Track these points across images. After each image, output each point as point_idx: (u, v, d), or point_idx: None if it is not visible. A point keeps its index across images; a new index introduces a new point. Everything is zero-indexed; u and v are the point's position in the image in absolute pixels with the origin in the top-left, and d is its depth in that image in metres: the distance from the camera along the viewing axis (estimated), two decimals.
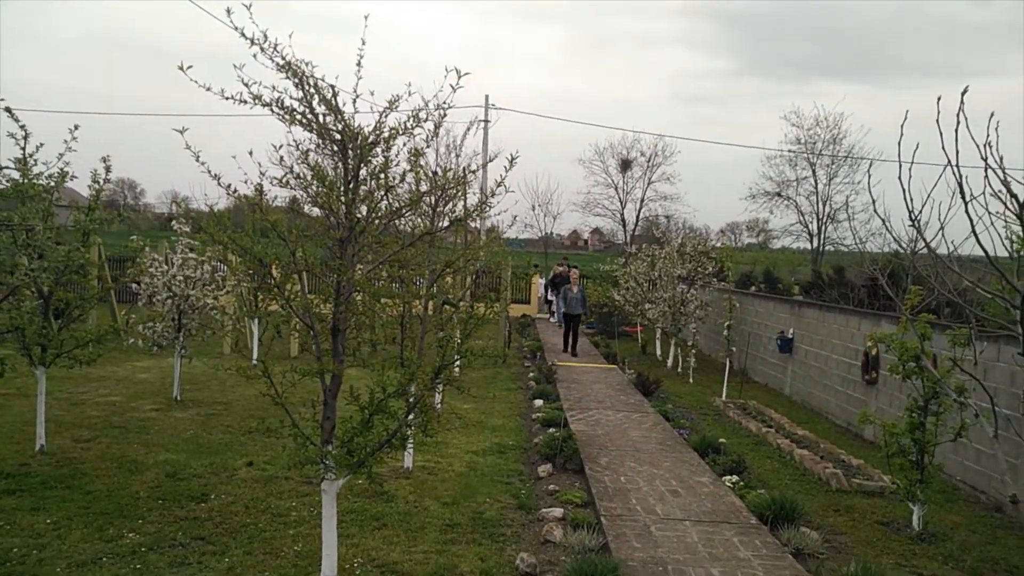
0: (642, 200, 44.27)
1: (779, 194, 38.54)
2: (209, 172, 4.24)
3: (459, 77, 4.22)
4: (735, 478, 7.94)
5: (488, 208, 5.75)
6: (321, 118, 4.19)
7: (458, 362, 5.21)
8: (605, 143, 52.37)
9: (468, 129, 10.89)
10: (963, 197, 3.57)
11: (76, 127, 7.51)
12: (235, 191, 4.26)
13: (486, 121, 27.49)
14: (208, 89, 4.06)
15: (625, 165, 44.10)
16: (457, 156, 11.71)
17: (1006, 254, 4.56)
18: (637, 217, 44.65)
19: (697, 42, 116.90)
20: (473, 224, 18.27)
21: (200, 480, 7.29)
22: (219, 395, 11.47)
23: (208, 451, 8.32)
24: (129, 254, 13.46)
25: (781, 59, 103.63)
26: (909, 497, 6.86)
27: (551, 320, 25.73)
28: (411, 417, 4.74)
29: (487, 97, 28.40)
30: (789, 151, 37.47)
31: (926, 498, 6.88)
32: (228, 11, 3.98)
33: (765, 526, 6.55)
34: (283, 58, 4.11)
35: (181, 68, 3.99)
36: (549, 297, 26.44)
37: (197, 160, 4.23)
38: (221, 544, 5.75)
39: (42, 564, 5.28)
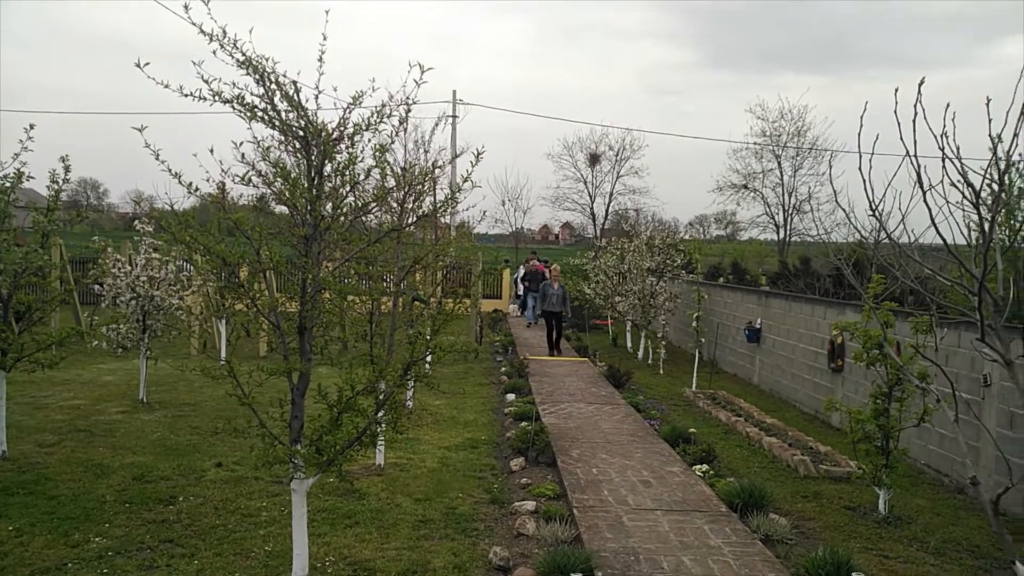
0: (611, 194, 44.57)
1: (745, 186, 39.01)
2: (170, 171, 4.17)
3: (423, 72, 4.20)
4: (705, 467, 8.03)
5: (456, 204, 5.74)
6: (283, 114, 4.14)
7: (429, 358, 5.20)
8: (574, 137, 52.71)
9: (436, 125, 10.86)
10: (921, 187, 3.63)
11: (32, 126, 7.35)
12: (197, 189, 4.20)
13: (454, 116, 27.43)
14: (167, 86, 4.00)
15: (594, 159, 44.33)
16: (426, 152, 11.65)
17: (965, 242, 4.66)
18: (607, 211, 44.91)
19: (664, 34, 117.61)
20: (443, 220, 18.20)
21: (168, 482, 7.19)
22: (187, 396, 11.32)
23: (176, 453, 8.21)
24: (91, 255, 13.22)
25: (745, 51, 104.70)
26: (875, 482, 6.99)
27: (521, 316, 25.47)
28: (381, 414, 4.72)
29: (455, 92, 28.40)
30: (755, 144, 37.95)
31: (892, 482, 7.01)
32: (186, 7, 3.91)
33: (735, 514, 6.63)
34: (243, 54, 4.05)
35: (138, 65, 3.91)
36: (519, 292, 26.27)
37: (157, 158, 4.16)
38: (190, 546, 5.68)
39: (3, 572, 5.17)
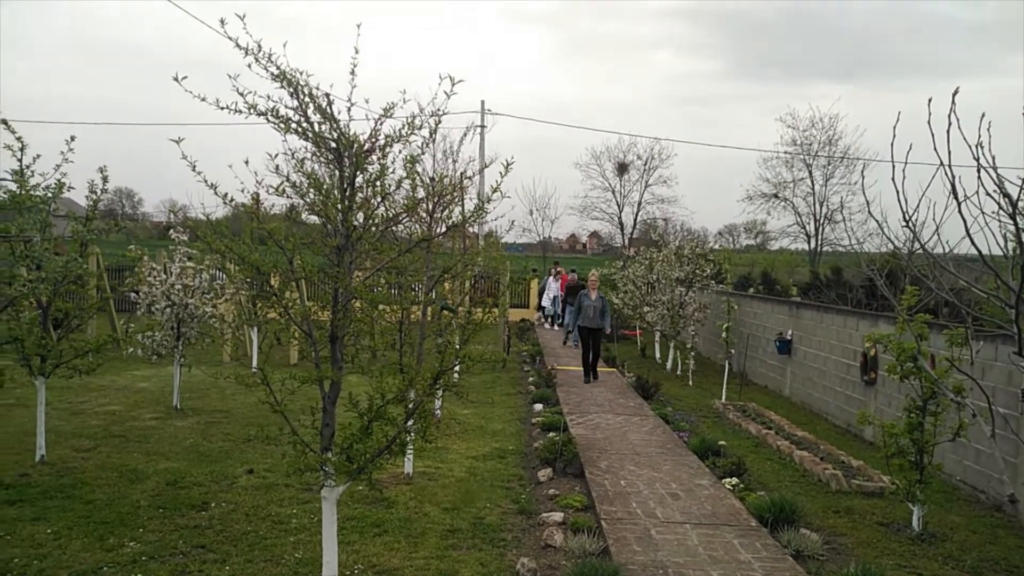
0: (639, 203, 44.37)
1: (776, 195, 38.71)
2: (206, 181, 4.25)
3: (453, 84, 4.25)
4: (735, 480, 7.95)
5: (485, 214, 5.77)
6: (316, 126, 4.21)
7: (457, 367, 5.23)
8: (601, 147, 52.61)
9: (464, 135, 10.96)
10: (956, 198, 3.59)
11: (72, 138, 7.54)
12: (232, 200, 4.27)
13: (482, 126, 27.52)
14: (203, 99, 4.09)
15: (622, 169, 44.19)
16: (454, 162, 11.79)
17: (1001, 253, 4.58)
18: (635, 220, 44.73)
19: (687, 44, 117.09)
20: (471, 229, 18.27)
21: (201, 488, 7.29)
22: (219, 403, 11.48)
23: (208, 459, 8.33)
24: (127, 263, 13.49)
25: (772, 60, 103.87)
26: (909, 498, 6.87)
27: (550, 326, 25.20)
28: (410, 423, 4.75)
29: (483, 103, 28.44)
30: (785, 152, 37.64)
31: (926, 498, 6.88)
32: (222, 21, 4.00)
33: (765, 528, 6.55)
34: (277, 67, 4.13)
35: (176, 79, 4.01)
36: (541, 304, 25.85)
37: (193, 170, 4.25)
38: (222, 552, 5.75)
39: (43, 574, 5.28)
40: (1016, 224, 3.76)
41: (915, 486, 6.79)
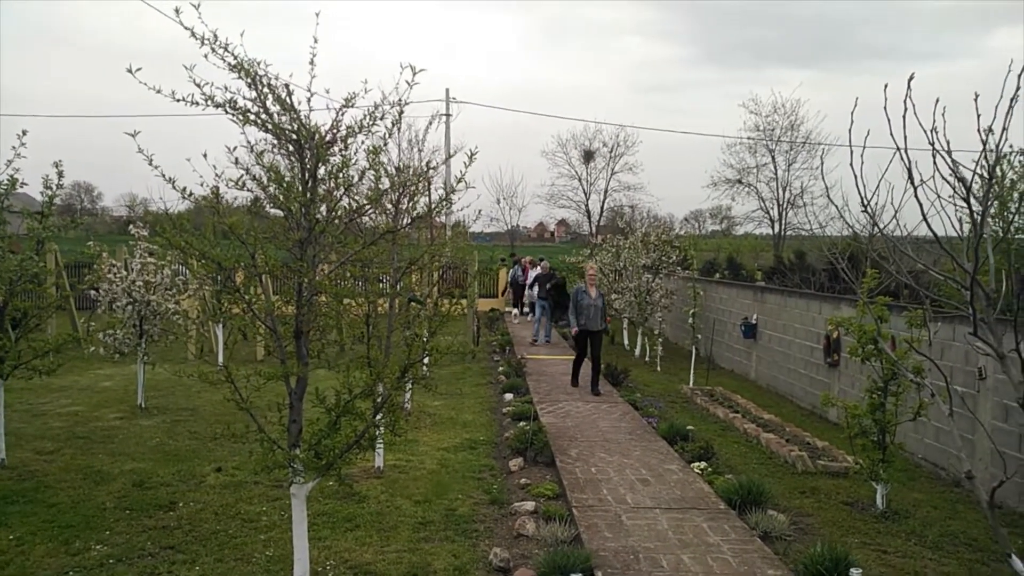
0: (606, 190, 44.61)
1: (740, 181, 39.13)
2: (164, 176, 4.17)
3: (414, 74, 4.21)
4: (703, 464, 8.05)
5: (451, 204, 5.74)
6: (276, 117, 4.14)
7: (426, 360, 5.21)
8: (567, 134, 52.63)
9: (430, 124, 10.82)
10: (912, 182, 3.65)
11: (24, 132, 7.33)
12: (191, 194, 4.20)
13: (447, 115, 27.40)
14: (158, 91, 4.00)
15: (588, 156, 44.39)
16: (420, 151, 11.70)
17: (957, 236, 4.68)
18: (602, 207, 44.97)
19: (653, 31, 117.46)
20: (439, 219, 18.15)
21: (168, 488, 7.19)
22: (185, 401, 11.32)
23: (175, 458, 8.21)
24: (87, 260, 13.22)
25: (736, 46, 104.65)
26: (872, 477, 7.01)
27: (515, 320, 23.76)
28: (379, 417, 4.72)
29: (447, 91, 28.32)
30: (748, 138, 38.05)
31: (889, 477, 7.03)
32: (177, 10, 3.91)
33: (733, 511, 6.65)
34: (235, 57, 4.05)
35: (130, 71, 3.92)
36: (512, 299, 24.56)
37: (150, 164, 4.16)
38: (191, 552, 5.68)
39: None
40: (970, 207, 3.84)
41: (878, 465, 6.93)
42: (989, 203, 3.87)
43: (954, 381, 8.05)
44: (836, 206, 5.11)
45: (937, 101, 3.47)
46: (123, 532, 6.06)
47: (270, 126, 4.18)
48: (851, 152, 3.93)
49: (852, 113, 3.95)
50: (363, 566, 5.47)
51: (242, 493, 7.05)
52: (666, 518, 6.45)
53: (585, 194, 45.22)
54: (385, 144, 4.63)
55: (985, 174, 3.66)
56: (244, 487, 7.22)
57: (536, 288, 19.54)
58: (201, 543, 5.86)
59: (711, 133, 79.34)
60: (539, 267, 20.55)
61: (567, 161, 45.01)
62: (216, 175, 4.28)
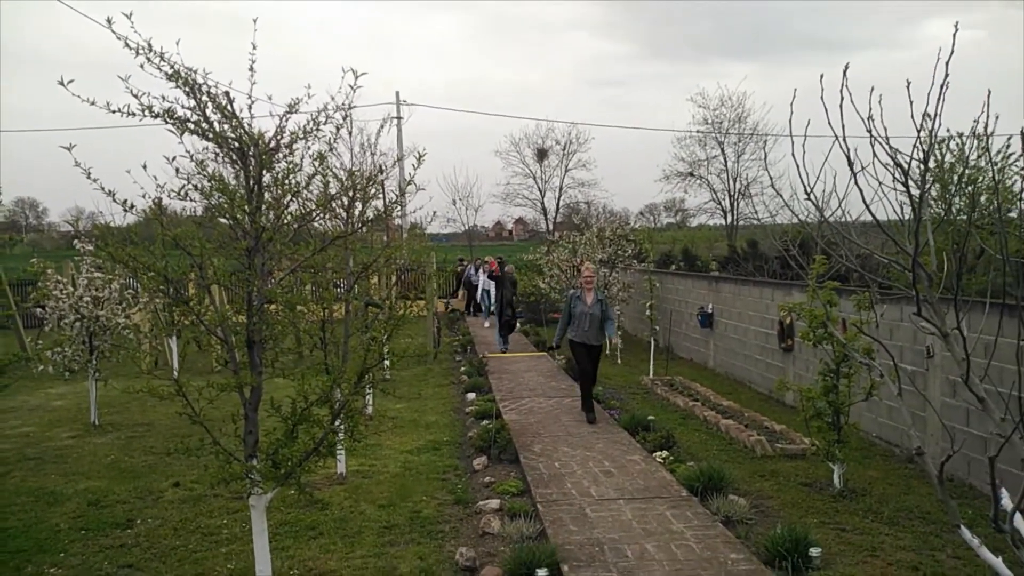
0: (561, 188, 44.78)
1: (691, 174, 39.60)
2: (103, 188, 4.07)
3: (356, 77, 4.18)
4: (665, 453, 8.14)
5: (403, 207, 5.71)
6: (217, 126, 4.07)
7: (387, 363, 5.17)
8: (520, 133, 52.84)
9: (381, 127, 10.78)
10: (851, 168, 3.73)
11: None
12: (132, 207, 4.11)
13: (399, 118, 27.25)
14: (92, 103, 3.90)
15: (541, 154, 44.53)
16: (373, 154, 11.55)
17: (899, 219, 4.80)
18: (557, 205, 45.15)
19: (598, 26, 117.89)
20: (395, 222, 18.01)
21: (125, 506, 7.04)
22: (140, 416, 11.08)
23: (131, 475, 8.04)
24: (31, 277, 12.84)
25: (680, 42, 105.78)
26: (829, 457, 7.17)
27: (485, 325, 21.77)
28: (337, 423, 4.68)
29: (398, 94, 28.24)
30: (698, 131, 38.52)
31: (845, 457, 7.19)
32: (109, 20, 3.82)
33: (695, 497, 6.74)
34: (171, 67, 3.98)
35: (62, 83, 3.82)
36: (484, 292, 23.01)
37: (88, 177, 4.06)
38: (151, 570, 5.57)
39: None
40: (908, 191, 3.94)
41: (834, 446, 7.09)
42: (927, 187, 3.97)
43: (904, 360, 8.27)
44: (781, 196, 5.19)
45: (872, 89, 3.55)
46: (78, 553, 5.92)
47: (211, 135, 4.11)
48: (792, 142, 4.00)
49: (791, 104, 4.02)
50: (327, 574, 5.42)
51: (201, 507, 6.93)
52: (630, 508, 6.51)
53: (541, 192, 45.39)
54: (331, 148, 4.59)
55: (921, 158, 3.76)
56: (203, 501, 7.10)
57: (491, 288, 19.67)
58: (160, 560, 5.74)
59: (661, 128, 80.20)
60: (482, 268, 20.80)
61: (521, 160, 45.13)
62: (157, 186, 4.20)
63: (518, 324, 19.17)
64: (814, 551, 5.37)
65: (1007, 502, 3.42)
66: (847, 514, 6.56)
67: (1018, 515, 3.26)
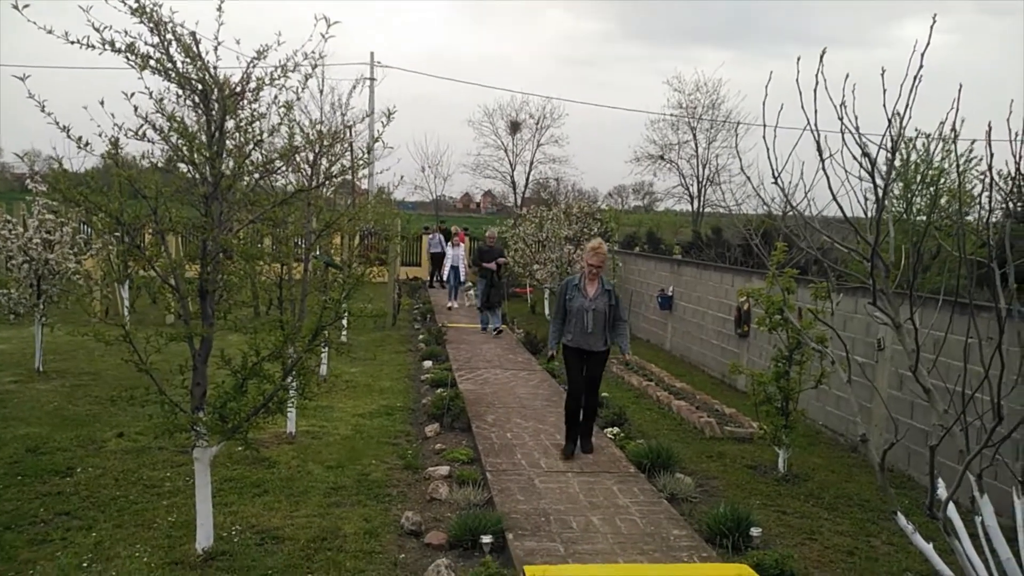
0: (532, 162, 44.57)
1: (662, 157, 39.74)
2: (57, 123, 3.91)
3: (328, 26, 4.06)
4: (616, 430, 8.22)
5: (368, 163, 5.61)
6: (180, 66, 3.93)
7: (344, 324, 5.10)
8: (494, 105, 52.27)
9: (354, 87, 10.53)
10: (820, 154, 3.74)
11: None
12: (88, 144, 3.96)
13: (372, 79, 26.81)
14: (50, 32, 3.73)
15: (514, 127, 44.18)
16: (343, 115, 11.27)
17: (862, 214, 4.86)
18: (527, 179, 44.94)
19: (577, 4, 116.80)
20: (362, 184, 17.72)
21: (65, 454, 6.88)
22: (87, 365, 10.84)
23: (74, 423, 7.86)
24: None
25: (659, 24, 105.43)
26: (775, 442, 7.30)
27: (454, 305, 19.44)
28: (289, 380, 4.62)
29: (372, 54, 27.77)
30: (671, 115, 38.62)
31: (791, 442, 7.33)
32: None
33: (643, 474, 6.82)
34: (136, 0, 3.81)
35: (16, 7, 3.63)
36: (441, 275, 21.66)
37: (43, 110, 3.90)
38: (88, 519, 5.46)
39: None
40: (874, 181, 3.97)
41: (781, 431, 7.21)
42: (892, 178, 4.01)
43: (855, 351, 8.43)
44: (750, 181, 5.21)
45: (847, 76, 3.56)
46: (13, 499, 5.77)
47: (173, 74, 3.97)
48: (764, 126, 4.00)
49: (766, 86, 4.01)
50: (270, 531, 5.37)
51: (145, 459, 6.81)
52: (578, 481, 6.56)
53: (511, 165, 45.11)
54: (299, 98, 4.46)
55: (889, 147, 3.80)
56: (147, 452, 6.98)
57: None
58: (99, 509, 5.64)
59: (636, 109, 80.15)
60: (452, 241, 19.67)
61: (493, 132, 44.72)
62: (115, 125, 4.05)
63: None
64: (755, 531, 5.48)
65: (943, 492, 3.51)
66: (789, 498, 6.70)
67: (951, 505, 3.35)
